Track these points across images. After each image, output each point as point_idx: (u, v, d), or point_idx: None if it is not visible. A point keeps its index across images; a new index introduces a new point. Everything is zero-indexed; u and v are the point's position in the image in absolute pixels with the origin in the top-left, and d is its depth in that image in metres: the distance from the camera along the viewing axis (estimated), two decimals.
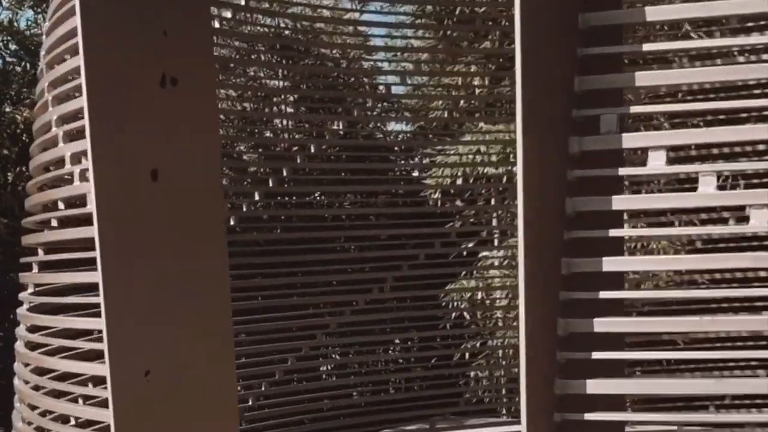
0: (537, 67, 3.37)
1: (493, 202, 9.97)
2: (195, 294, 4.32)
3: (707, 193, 3.30)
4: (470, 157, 10.01)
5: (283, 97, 10.34)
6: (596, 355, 3.43)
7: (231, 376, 4.58)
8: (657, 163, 3.36)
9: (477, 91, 10.50)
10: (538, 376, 3.40)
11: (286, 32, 11.20)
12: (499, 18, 10.24)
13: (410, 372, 9.08)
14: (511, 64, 10.57)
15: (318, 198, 10.54)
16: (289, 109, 8.91)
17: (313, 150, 8.00)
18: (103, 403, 4.22)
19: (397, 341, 9.81)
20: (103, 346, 4.05)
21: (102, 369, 4.08)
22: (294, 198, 9.92)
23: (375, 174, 9.99)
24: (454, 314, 10.04)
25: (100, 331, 5.04)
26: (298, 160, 7.48)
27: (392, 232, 8.93)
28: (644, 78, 3.54)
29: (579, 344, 3.49)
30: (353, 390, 9.14)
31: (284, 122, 9.84)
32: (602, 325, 3.42)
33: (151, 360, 4.15)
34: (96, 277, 4.06)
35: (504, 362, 9.80)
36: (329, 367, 10.28)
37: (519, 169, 3.34)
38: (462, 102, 10.30)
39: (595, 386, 3.42)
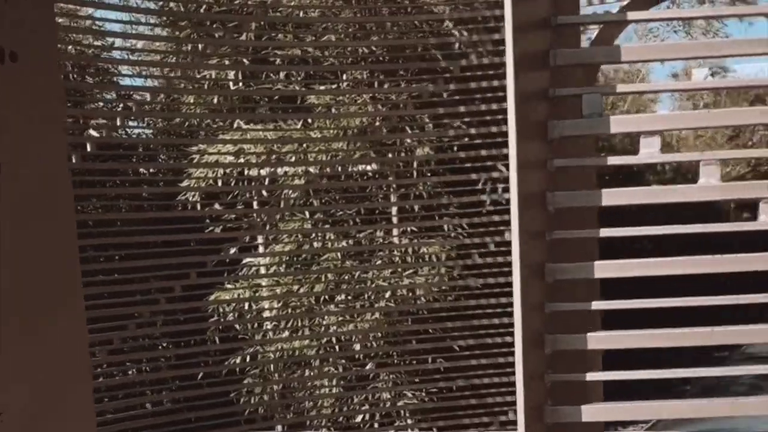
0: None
1: (255, 205, 9.32)
2: (48, 311, 3.50)
3: (710, 185, 2.93)
4: (228, 158, 9.32)
5: None
6: (591, 376, 2.98)
7: (89, 409, 3.78)
8: (650, 151, 2.95)
9: (232, 87, 9.87)
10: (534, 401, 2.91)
11: None
12: (255, 11, 9.68)
13: (181, 392, 8.29)
14: (267, 58, 10.10)
15: None
16: None
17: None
18: None
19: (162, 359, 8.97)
20: None
21: None
22: None
23: (118, 175, 9.13)
24: (220, 326, 9.33)
25: None
26: (74, 160, 6.57)
27: (142, 240, 8.20)
28: (630, 53, 3.13)
29: (563, 363, 3.03)
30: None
31: None
32: (598, 341, 2.97)
33: (3, 398, 3.30)
34: None
35: (276, 375, 9.18)
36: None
37: (512, 164, 2.83)
38: (216, 99, 9.62)
39: (589, 412, 2.97)
